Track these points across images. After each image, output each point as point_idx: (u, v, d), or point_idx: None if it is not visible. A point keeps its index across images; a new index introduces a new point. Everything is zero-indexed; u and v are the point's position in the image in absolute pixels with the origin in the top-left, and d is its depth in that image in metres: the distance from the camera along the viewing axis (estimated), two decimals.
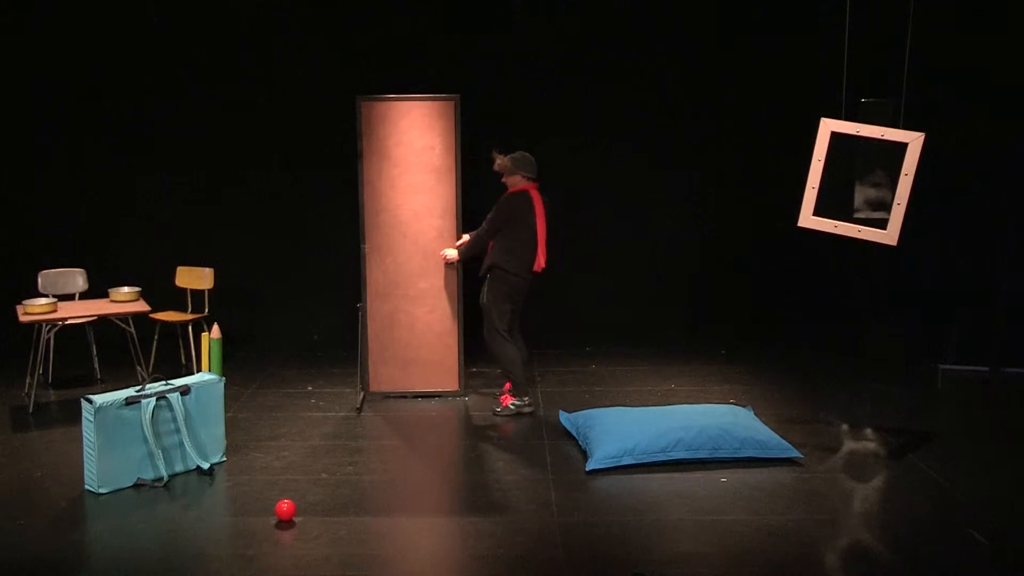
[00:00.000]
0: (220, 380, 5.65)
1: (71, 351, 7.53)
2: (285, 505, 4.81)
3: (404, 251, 6.64)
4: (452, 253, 6.53)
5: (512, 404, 6.42)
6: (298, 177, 8.30)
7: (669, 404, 6.37)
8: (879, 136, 5.58)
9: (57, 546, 4.60)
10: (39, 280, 7.34)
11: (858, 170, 5.94)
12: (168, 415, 5.35)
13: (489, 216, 6.25)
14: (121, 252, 8.20)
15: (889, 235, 5.58)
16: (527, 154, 6.29)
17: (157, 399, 5.29)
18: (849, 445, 5.95)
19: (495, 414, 6.41)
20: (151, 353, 7.45)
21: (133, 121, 8.22)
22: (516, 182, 6.26)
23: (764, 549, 4.53)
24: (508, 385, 6.52)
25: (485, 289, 6.35)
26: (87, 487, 5.17)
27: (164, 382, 5.44)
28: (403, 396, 6.75)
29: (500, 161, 6.26)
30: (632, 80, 8.24)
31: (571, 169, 8.25)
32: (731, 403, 6.45)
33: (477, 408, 6.64)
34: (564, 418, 6.15)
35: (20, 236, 8.21)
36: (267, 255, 8.41)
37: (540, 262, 6.29)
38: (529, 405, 6.45)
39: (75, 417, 5.34)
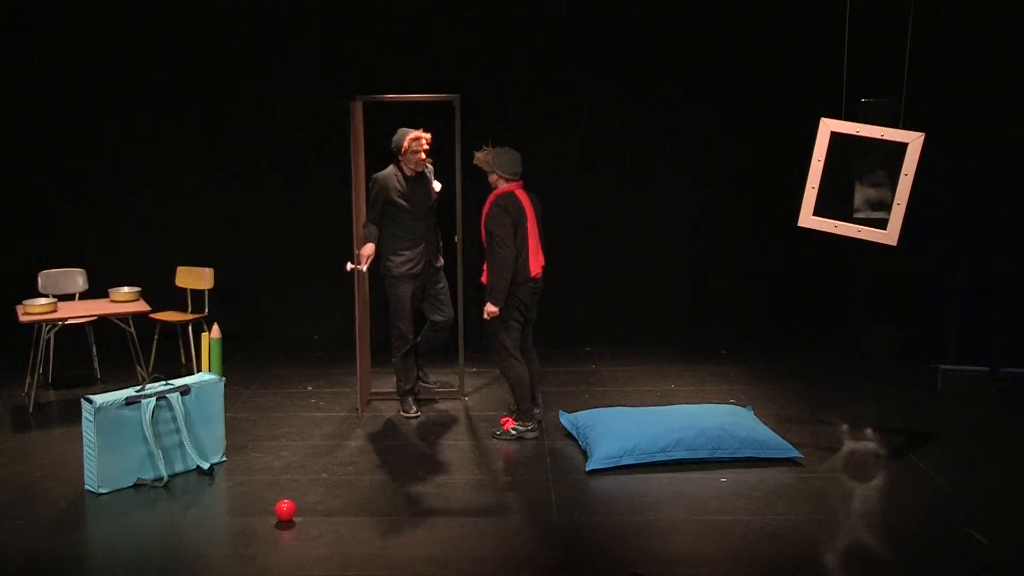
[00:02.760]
0: (220, 380, 5.65)
1: (71, 351, 7.53)
2: (285, 505, 4.81)
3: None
4: (492, 309, 5.77)
5: (513, 429, 6.02)
6: (298, 176, 8.30)
7: (669, 404, 6.37)
8: (879, 136, 5.58)
9: (57, 546, 4.60)
10: (39, 280, 7.34)
11: (858, 170, 5.94)
12: (168, 415, 5.35)
13: (493, 236, 5.72)
14: (121, 252, 8.19)
15: (889, 235, 5.58)
16: (512, 150, 5.83)
17: (157, 399, 5.29)
18: (849, 445, 5.95)
19: (495, 437, 6.03)
20: (151, 353, 7.44)
21: (133, 121, 8.22)
22: (495, 182, 5.85)
23: (764, 549, 4.53)
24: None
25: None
26: (87, 487, 5.17)
27: (164, 382, 5.44)
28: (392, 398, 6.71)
29: (479, 156, 5.85)
30: (631, 80, 8.24)
31: (570, 169, 8.26)
32: (731, 403, 6.45)
33: (477, 409, 6.63)
34: (564, 418, 6.15)
35: (20, 236, 8.21)
36: (267, 255, 8.41)
37: (538, 263, 5.87)
38: (533, 431, 6.02)
39: (75, 417, 5.35)
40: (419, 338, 6.53)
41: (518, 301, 5.84)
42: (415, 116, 6.46)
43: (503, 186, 5.83)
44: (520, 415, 6.05)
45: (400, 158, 6.21)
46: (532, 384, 6.06)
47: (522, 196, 5.84)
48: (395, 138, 6.20)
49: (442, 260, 6.56)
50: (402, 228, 6.25)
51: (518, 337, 5.96)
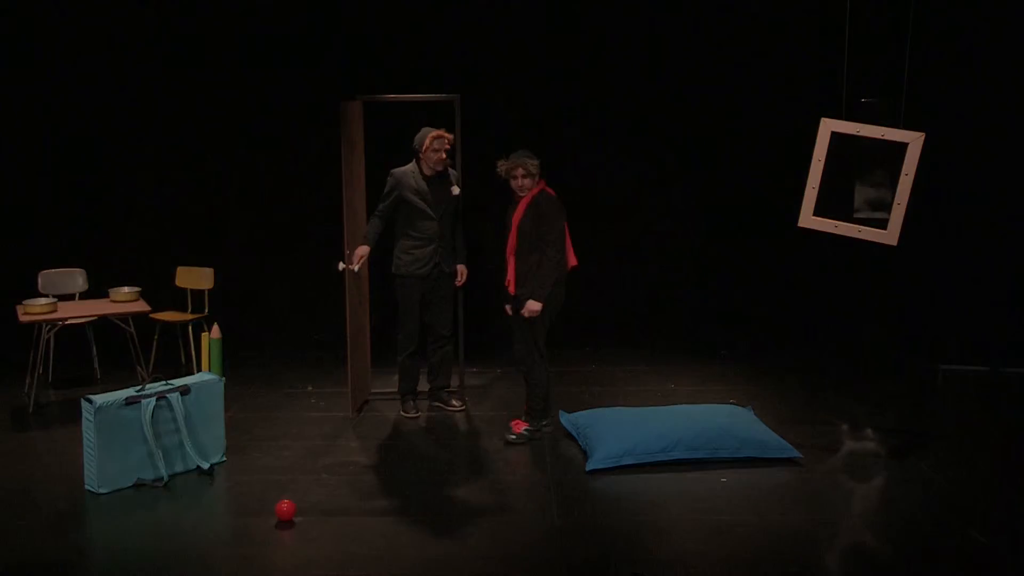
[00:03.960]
0: (220, 380, 5.66)
1: (71, 351, 7.53)
2: (285, 505, 4.80)
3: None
4: (536, 306, 5.73)
5: (526, 431, 5.97)
6: (299, 176, 8.29)
7: (669, 404, 6.36)
8: (879, 136, 5.58)
9: (57, 546, 4.60)
10: (39, 280, 7.33)
11: (858, 170, 5.95)
12: (168, 415, 5.35)
13: (545, 235, 5.69)
14: (121, 252, 8.19)
15: (889, 235, 5.59)
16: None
17: (157, 399, 5.29)
18: (849, 445, 5.95)
19: (508, 443, 5.92)
20: (151, 353, 7.44)
21: (133, 121, 8.21)
22: (530, 186, 5.79)
23: (764, 549, 4.53)
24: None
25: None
26: (87, 487, 5.17)
27: (164, 382, 5.44)
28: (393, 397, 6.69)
29: (532, 165, 5.73)
30: (631, 80, 8.24)
31: (570, 169, 8.25)
32: (731, 403, 6.44)
33: (477, 409, 6.63)
34: (564, 418, 6.15)
35: (20, 236, 8.21)
36: (267, 255, 8.41)
37: (572, 260, 5.90)
38: (548, 425, 6.05)
39: (75, 417, 5.36)
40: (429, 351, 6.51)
41: (555, 301, 5.83)
42: (415, 116, 6.46)
43: (539, 185, 5.82)
44: (534, 416, 6.01)
45: (420, 156, 6.20)
46: (548, 389, 6.04)
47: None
48: (417, 136, 6.17)
49: (462, 273, 6.42)
50: (413, 227, 6.23)
51: (544, 337, 5.93)
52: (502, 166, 5.82)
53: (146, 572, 4.34)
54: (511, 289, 5.86)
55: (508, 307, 6.01)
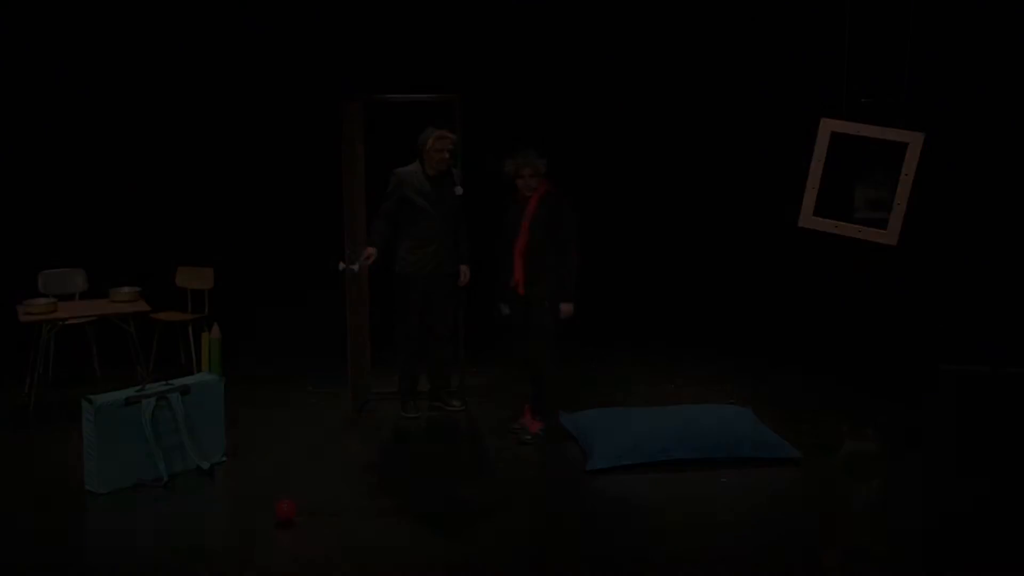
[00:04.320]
0: (220, 380, 5.66)
1: (71, 351, 7.53)
2: (285, 505, 4.80)
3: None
4: (570, 307, 5.89)
5: (541, 430, 6.00)
6: (300, 176, 8.29)
7: (669, 404, 6.36)
8: (879, 136, 5.59)
9: (57, 546, 4.60)
10: (39, 280, 7.33)
11: (858, 170, 5.94)
12: (168, 415, 5.35)
13: (568, 237, 5.84)
14: (121, 252, 8.19)
15: (889, 235, 5.59)
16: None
17: (157, 399, 5.29)
18: (849, 445, 5.95)
19: (525, 442, 5.91)
20: (151, 353, 7.44)
21: (133, 120, 8.21)
22: (536, 184, 5.82)
23: (764, 549, 4.53)
24: (528, 408, 6.10)
25: (548, 310, 5.86)
26: (87, 487, 5.17)
27: (164, 382, 5.44)
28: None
29: (536, 167, 5.77)
30: (631, 80, 8.24)
31: (570, 168, 8.24)
32: (731, 403, 6.44)
33: (477, 409, 6.63)
34: (564, 418, 6.14)
35: (20, 236, 8.21)
36: (267, 255, 8.40)
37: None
38: (551, 424, 6.11)
39: (75, 417, 5.36)
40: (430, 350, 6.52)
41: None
42: (416, 116, 6.46)
43: (543, 184, 5.84)
44: (544, 414, 6.02)
45: (424, 156, 6.20)
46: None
47: None
48: (421, 136, 6.19)
49: (465, 274, 6.44)
50: (416, 227, 6.24)
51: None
52: (511, 165, 5.80)
53: (146, 572, 4.34)
54: (520, 290, 5.86)
55: (504, 306, 6.01)
